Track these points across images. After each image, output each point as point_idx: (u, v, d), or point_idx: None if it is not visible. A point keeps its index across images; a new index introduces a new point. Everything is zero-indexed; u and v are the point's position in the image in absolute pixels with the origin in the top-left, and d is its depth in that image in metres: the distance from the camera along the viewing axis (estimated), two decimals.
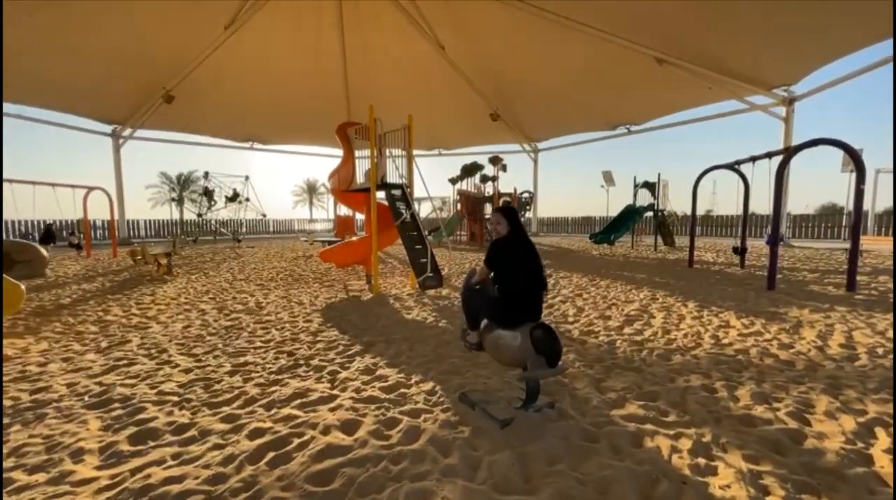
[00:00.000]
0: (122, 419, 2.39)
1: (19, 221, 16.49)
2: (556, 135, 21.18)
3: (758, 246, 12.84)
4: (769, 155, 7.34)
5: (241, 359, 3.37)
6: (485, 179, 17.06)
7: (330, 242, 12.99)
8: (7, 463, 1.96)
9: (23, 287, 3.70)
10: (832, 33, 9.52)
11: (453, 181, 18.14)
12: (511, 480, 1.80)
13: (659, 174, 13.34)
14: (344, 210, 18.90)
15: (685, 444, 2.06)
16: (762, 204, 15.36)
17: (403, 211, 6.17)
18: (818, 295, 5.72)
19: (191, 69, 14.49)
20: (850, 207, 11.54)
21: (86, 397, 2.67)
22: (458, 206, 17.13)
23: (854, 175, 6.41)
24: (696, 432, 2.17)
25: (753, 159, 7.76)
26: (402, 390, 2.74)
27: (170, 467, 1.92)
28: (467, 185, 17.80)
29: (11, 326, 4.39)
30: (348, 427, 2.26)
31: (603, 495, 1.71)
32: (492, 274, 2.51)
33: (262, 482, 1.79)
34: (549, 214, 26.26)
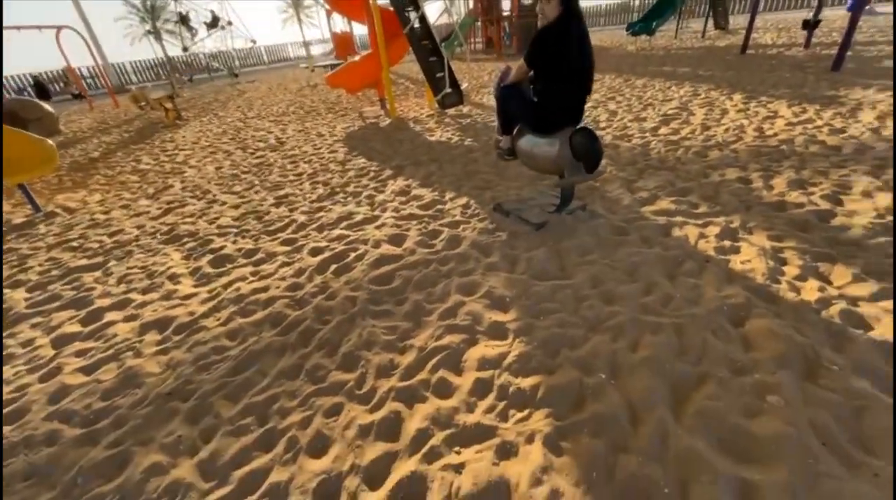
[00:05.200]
0: (196, 249, 2.71)
1: (4, 78, 15.48)
2: None
3: (833, 17, 10.72)
4: None
5: (281, 192, 3.54)
6: None
7: (333, 67, 11.80)
8: (118, 289, 2.35)
9: (51, 142, 3.72)
10: None
11: None
12: (548, 269, 2.03)
13: None
14: (340, 26, 16.43)
15: (713, 231, 2.18)
16: None
17: (412, 16, 5.28)
18: (890, 72, 5.01)
19: None
20: None
21: (158, 235, 2.99)
22: (472, 4, 14.46)
23: None
24: (726, 219, 2.26)
25: None
26: (439, 207, 2.88)
27: (252, 281, 2.26)
28: None
29: (59, 182, 4.63)
30: (396, 240, 2.49)
31: (631, 275, 1.92)
32: (531, 72, 2.19)
33: (334, 287, 2.10)
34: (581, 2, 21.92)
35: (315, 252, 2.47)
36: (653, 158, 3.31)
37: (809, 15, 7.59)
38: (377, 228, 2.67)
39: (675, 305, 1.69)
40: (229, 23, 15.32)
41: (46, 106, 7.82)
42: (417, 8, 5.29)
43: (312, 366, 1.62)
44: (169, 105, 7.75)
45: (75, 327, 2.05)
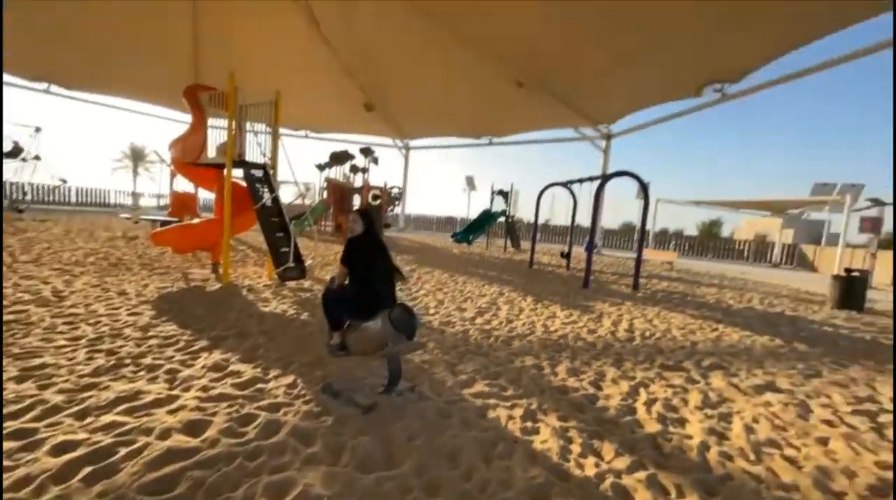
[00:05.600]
0: None
1: None
2: (427, 135, 22.01)
3: (580, 252, 15.73)
4: (591, 179, 9.12)
5: (35, 361, 2.67)
6: (355, 169, 16.69)
7: (164, 223, 10.95)
8: None
9: None
10: (641, 87, 12.23)
11: (321, 167, 17.22)
12: (375, 458, 1.92)
13: (512, 184, 15.15)
14: (183, 186, 16.10)
15: (518, 412, 2.50)
16: (586, 218, 18.93)
17: (265, 194, 5.67)
18: (615, 292, 7.37)
19: None
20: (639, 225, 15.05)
21: None
22: (325, 194, 16.37)
23: (643, 201, 8.43)
24: (527, 402, 2.64)
25: (580, 181, 9.51)
26: (259, 386, 2.59)
27: None
28: (336, 173, 17.14)
29: None
30: (194, 429, 2.05)
31: (453, 461, 1.96)
32: (348, 273, 2.67)
33: None
34: (417, 211, 27.13)
35: (61, 449, 1.81)
36: (471, 343, 3.82)
37: (565, 248, 11.02)
38: (171, 412, 2.19)
39: (492, 490, 1.75)
40: (36, 157, 13.45)
41: None
42: (272, 190, 5.74)
43: None
44: None
45: None
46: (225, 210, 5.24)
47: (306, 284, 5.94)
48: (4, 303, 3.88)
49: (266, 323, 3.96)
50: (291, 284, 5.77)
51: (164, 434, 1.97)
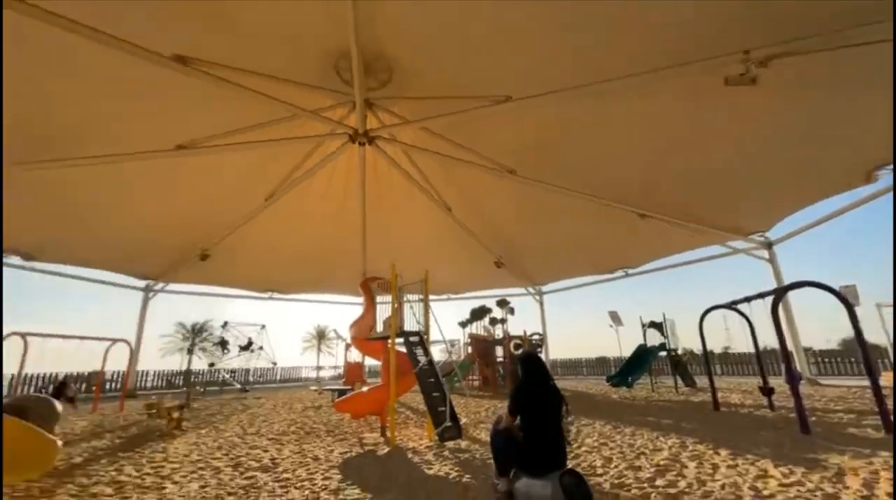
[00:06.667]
0: None
1: (37, 375, 16.49)
2: (558, 278, 22.40)
3: (782, 385, 12.31)
4: (761, 295, 7.85)
5: None
6: (493, 321, 17.50)
7: (340, 392, 12.71)
8: None
9: (59, 443, 3.80)
10: (797, 187, 10.97)
11: (463, 325, 18.54)
12: None
13: (664, 314, 13.75)
14: (353, 357, 18.90)
15: None
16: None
17: (421, 357, 6.43)
18: (858, 439, 5.46)
19: (228, 233, 16.50)
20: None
21: None
22: (469, 349, 17.14)
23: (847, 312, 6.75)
24: None
25: (748, 299, 8.24)
26: None
27: None
28: (476, 328, 18.15)
29: (26, 489, 4.29)
30: None
31: None
32: (517, 420, 2.75)
33: None
34: (562, 355, 25.71)
35: None
36: None
37: (758, 381, 8.89)
38: None
39: None
40: (261, 347, 17.77)
41: (56, 404, 8.09)
42: (427, 353, 6.50)
43: None
44: (176, 414, 7.99)
45: None
46: (390, 377, 6.05)
47: (463, 444, 5.99)
48: (244, 470, 4.90)
49: (431, 485, 4.08)
50: (450, 444, 5.90)
51: None
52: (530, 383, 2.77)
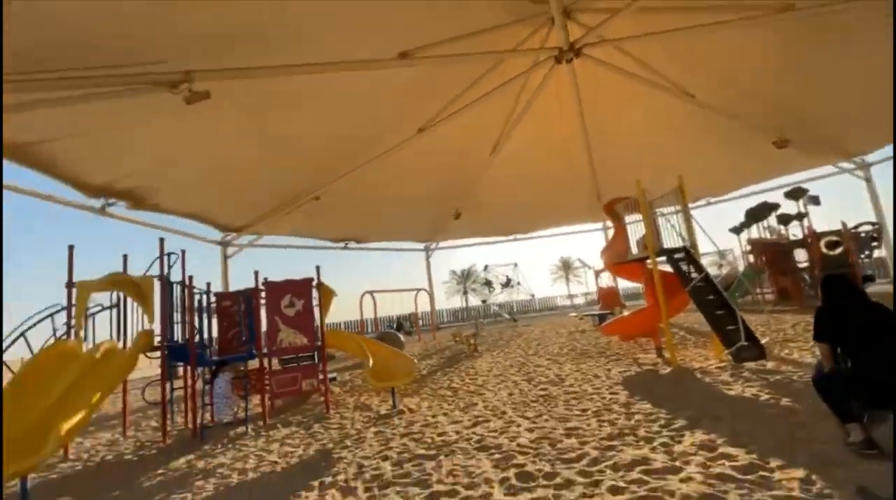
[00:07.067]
0: (502, 462, 3.14)
1: (378, 319, 24.12)
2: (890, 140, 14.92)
3: None
4: None
5: (569, 424, 3.82)
6: (784, 219, 13.53)
7: (600, 316, 12.95)
8: (448, 480, 2.92)
9: (415, 361, 5.58)
10: None
11: (737, 230, 15.19)
12: None
13: None
14: (605, 283, 18.67)
15: None
16: None
17: (693, 275, 5.73)
18: None
19: (476, 190, 18.73)
20: None
21: (471, 442, 3.66)
22: (751, 258, 14.02)
23: None
24: None
25: None
26: (762, 473, 2.45)
27: None
28: (757, 232, 14.51)
29: (403, 390, 6.47)
30: None
31: None
32: (837, 351, 2.15)
33: None
34: None
35: (614, 491, 2.46)
36: None
37: None
38: (682, 481, 2.47)
39: None
40: (518, 283, 19.97)
41: (400, 336, 11.62)
42: (699, 269, 5.73)
43: None
44: (472, 341, 10.12)
45: None
46: (659, 298, 5.69)
47: (768, 364, 5.11)
48: (537, 383, 5.81)
49: (736, 407, 3.73)
50: (751, 365, 5.15)
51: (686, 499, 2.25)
52: (836, 306, 2.11)
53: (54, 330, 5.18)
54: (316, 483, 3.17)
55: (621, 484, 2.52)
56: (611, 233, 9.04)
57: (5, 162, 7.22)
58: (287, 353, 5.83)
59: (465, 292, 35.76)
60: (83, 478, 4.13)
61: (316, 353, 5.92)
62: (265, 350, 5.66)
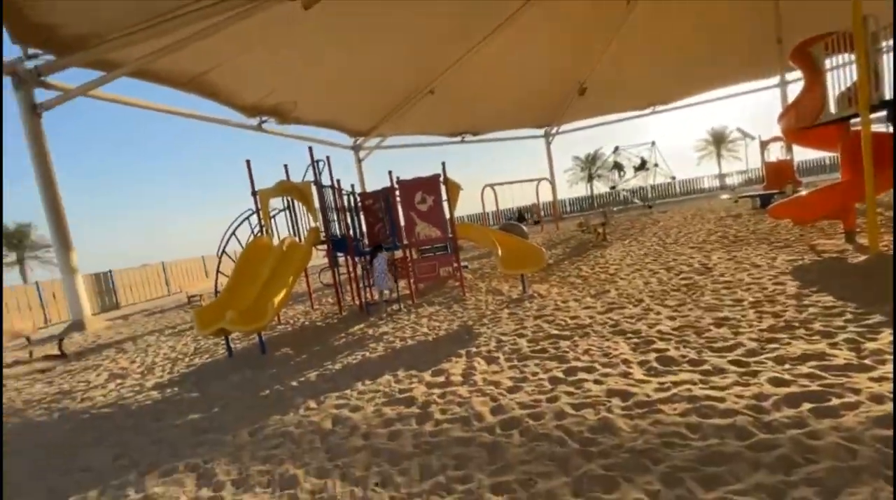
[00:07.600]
0: (641, 345, 3.16)
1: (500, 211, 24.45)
2: None
3: None
4: None
5: (719, 314, 3.54)
6: None
7: (763, 197, 10.82)
8: (585, 357, 3.09)
9: (542, 249, 5.67)
10: None
11: None
12: None
13: None
14: (774, 156, 15.12)
15: None
16: None
17: None
18: None
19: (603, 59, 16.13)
20: None
21: (606, 326, 3.72)
22: None
23: None
24: None
25: None
26: None
27: (703, 388, 2.37)
28: None
29: (531, 276, 6.71)
30: None
31: None
32: None
33: (815, 427, 1.86)
34: None
35: (777, 382, 2.29)
36: None
37: None
38: (874, 380, 2.15)
39: None
40: (655, 165, 17.55)
41: (523, 226, 11.70)
42: None
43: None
44: (601, 230, 9.65)
45: (561, 374, 2.88)
46: (866, 167, 4.39)
47: None
48: (678, 273, 5.41)
49: None
50: None
51: (878, 399, 1.97)
52: None
53: (251, 228, 6.61)
54: (463, 352, 3.70)
55: (786, 377, 2.32)
56: (793, 90, 6.93)
57: (186, 94, 8.85)
58: (424, 244, 6.47)
59: (591, 179, 33.15)
60: (293, 336, 5.57)
61: (448, 244, 6.41)
62: (405, 242, 6.38)
